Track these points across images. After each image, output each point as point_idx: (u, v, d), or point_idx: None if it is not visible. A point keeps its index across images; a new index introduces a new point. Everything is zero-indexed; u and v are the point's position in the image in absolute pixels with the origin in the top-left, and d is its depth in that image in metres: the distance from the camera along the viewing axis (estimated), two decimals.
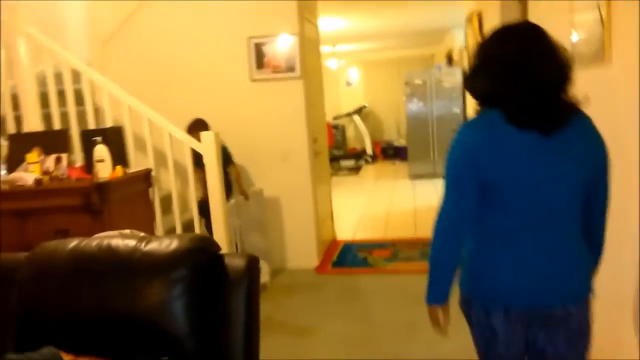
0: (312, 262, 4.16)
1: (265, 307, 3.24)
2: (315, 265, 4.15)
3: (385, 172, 9.37)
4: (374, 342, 2.85)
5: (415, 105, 8.21)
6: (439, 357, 2.50)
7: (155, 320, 1.42)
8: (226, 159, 3.82)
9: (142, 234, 2.02)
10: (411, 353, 2.69)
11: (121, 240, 1.55)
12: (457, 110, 7.89)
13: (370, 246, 4.62)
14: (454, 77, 7.90)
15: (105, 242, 1.54)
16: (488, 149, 1.33)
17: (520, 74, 1.31)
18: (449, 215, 1.40)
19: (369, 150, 10.54)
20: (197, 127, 3.92)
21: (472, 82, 1.42)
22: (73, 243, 1.57)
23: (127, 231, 2.10)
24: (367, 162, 10.35)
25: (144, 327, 1.43)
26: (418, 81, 8.21)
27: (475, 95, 1.42)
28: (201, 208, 3.35)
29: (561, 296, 1.40)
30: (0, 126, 3.34)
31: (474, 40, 5.25)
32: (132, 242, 1.52)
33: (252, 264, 1.57)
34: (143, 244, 1.51)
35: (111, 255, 1.50)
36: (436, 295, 1.44)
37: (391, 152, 10.65)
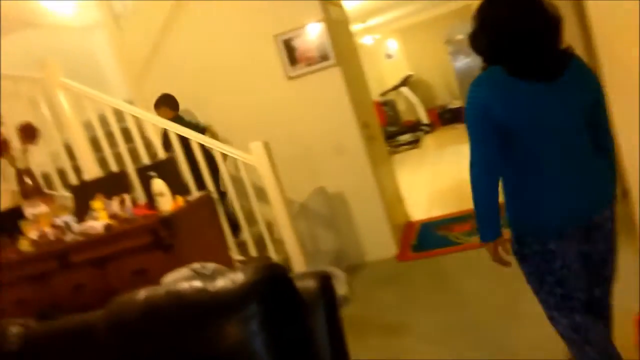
0: (390, 251, 3.99)
1: (351, 308, 3.16)
2: (394, 253, 3.98)
3: (446, 138, 8.97)
4: (474, 331, 2.64)
5: (462, 62, 7.80)
6: (548, 337, 2.26)
7: None
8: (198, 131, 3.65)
9: (210, 266, 1.96)
10: (516, 336, 2.46)
11: (188, 283, 1.47)
12: None
13: (448, 222, 4.36)
14: None
15: (173, 288, 1.48)
16: (498, 102, 1.51)
17: (515, 34, 1.49)
18: (478, 164, 1.58)
19: (425, 119, 10.14)
20: (161, 103, 3.85)
21: (474, 43, 1.60)
22: (143, 294, 1.52)
23: (197, 265, 2.04)
24: (425, 132, 9.97)
25: None
26: (460, 36, 7.77)
27: (478, 54, 1.60)
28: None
29: (598, 204, 1.62)
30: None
31: None
32: (199, 284, 1.44)
33: (325, 282, 1.45)
34: (210, 284, 1.43)
35: (180, 302, 1.43)
36: (487, 234, 1.61)
37: (448, 116, 10.19)
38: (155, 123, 3.30)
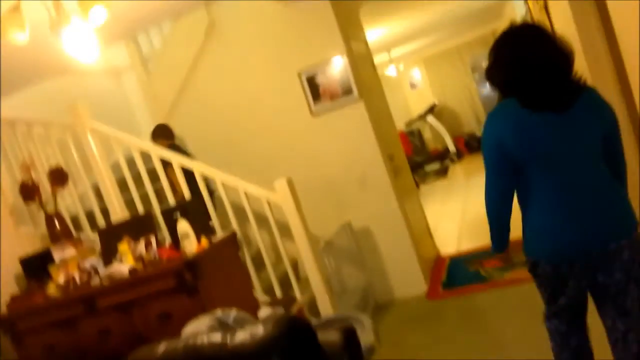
0: (420, 288, 3.86)
1: (379, 352, 3.01)
2: (424, 290, 3.84)
3: (474, 166, 8.79)
4: None
5: (488, 89, 7.68)
6: None
7: None
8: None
9: (232, 313, 1.90)
10: None
11: (207, 337, 1.43)
12: None
13: (479, 256, 4.20)
14: None
15: (192, 343, 1.43)
16: (510, 133, 1.62)
17: (527, 68, 1.60)
18: (491, 190, 1.72)
19: (452, 148, 10.02)
20: (157, 135, 3.95)
21: (490, 76, 1.73)
22: (162, 349, 1.48)
23: (219, 312, 2.00)
24: (452, 161, 9.83)
25: None
26: (486, 63, 7.70)
27: (494, 87, 1.73)
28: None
29: (614, 232, 1.63)
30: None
31: (536, 5, 4.77)
32: (217, 338, 1.40)
33: (349, 336, 1.39)
34: (229, 338, 1.38)
35: (199, 358, 1.38)
36: (498, 247, 1.84)
37: (476, 144, 10.03)
38: (181, 164, 3.32)
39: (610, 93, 3.30)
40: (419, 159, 9.88)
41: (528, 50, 1.61)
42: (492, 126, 1.68)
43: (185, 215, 2.94)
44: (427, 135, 10.78)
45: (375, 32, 6.43)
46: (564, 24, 3.94)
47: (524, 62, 1.60)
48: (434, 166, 9.68)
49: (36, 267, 3.09)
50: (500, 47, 1.69)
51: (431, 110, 10.32)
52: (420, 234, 4.31)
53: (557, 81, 1.60)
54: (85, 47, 1.80)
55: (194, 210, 3.11)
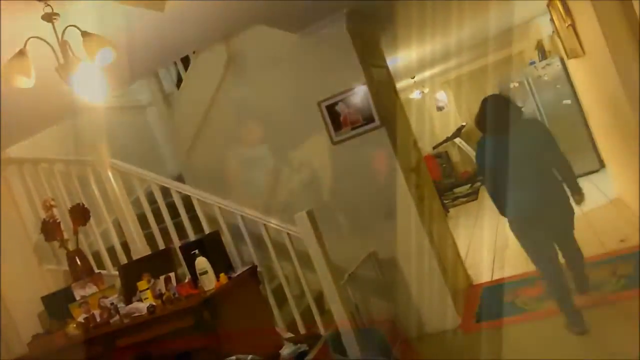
0: (452, 320, 3.65)
1: None
2: (456, 322, 3.63)
3: None
4: None
5: None
6: None
7: None
8: None
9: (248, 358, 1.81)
10: None
11: None
12: (568, 101, 7.01)
13: (514, 285, 3.98)
14: (554, 68, 7.09)
15: None
16: (486, 154, 3.02)
17: (494, 119, 3.02)
18: (487, 188, 3.26)
19: None
20: None
21: (478, 124, 3.11)
22: None
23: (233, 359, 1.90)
24: (482, 183, 9.56)
25: None
26: (513, 84, 7.52)
27: (479, 129, 3.12)
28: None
29: (552, 203, 3.00)
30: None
31: (563, 24, 4.64)
32: None
33: None
34: None
35: None
36: (501, 213, 3.18)
37: None
38: (200, 197, 3.29)
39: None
40: (448, 182, 9.66)
41: (498, 110, 3.00)
42: (478, 153, 3.13)
43: (204, 249, 2.88)
44: (455, 157, 10.57)
45: (398, 58, 6.38)
46: (592, 39, 3.80)
47: (495, 115, 2.98)
48: (464, 189, 9.43)
49: (58, 304, 3.08)
50: (483, 108, 3.06)
51: (459, 132, 10.11)
52: (451, 262, 4.13)
53: (509, 119, 2.96)
54: (94, 88, 1.78)
55: (213, 244, 3.06)
